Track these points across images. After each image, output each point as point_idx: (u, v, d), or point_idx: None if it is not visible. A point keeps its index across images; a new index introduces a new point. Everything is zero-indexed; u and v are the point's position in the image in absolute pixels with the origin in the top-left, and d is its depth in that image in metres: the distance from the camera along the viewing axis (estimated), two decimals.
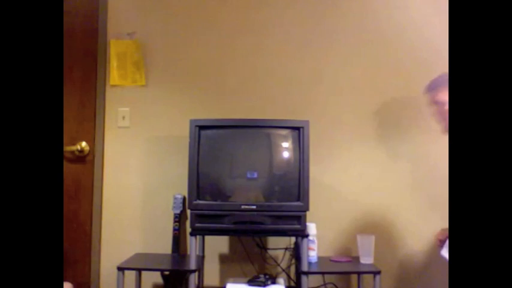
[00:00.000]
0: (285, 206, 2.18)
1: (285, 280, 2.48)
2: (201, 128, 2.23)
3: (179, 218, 2.52)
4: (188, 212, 2.30)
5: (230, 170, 2.25)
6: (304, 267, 2.18)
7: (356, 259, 2.39)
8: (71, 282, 2.42)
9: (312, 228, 2.34)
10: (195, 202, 2.18)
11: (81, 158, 2.63)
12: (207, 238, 2.54)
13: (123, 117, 2.65)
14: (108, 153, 2.64)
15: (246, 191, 2.22)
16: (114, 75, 2.66)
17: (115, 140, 2.64)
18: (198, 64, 2.66)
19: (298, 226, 2.17)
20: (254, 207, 2.16)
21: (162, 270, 2.39)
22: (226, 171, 2.24)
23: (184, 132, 2.54)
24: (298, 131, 2.23)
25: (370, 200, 2.58)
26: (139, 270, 2.43)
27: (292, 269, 2.56)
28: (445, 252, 2.31)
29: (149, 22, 2.67)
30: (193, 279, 2.16)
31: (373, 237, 2.33)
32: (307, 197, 2.18)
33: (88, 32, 2.67)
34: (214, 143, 2.24)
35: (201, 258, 2.42)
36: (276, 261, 2.56)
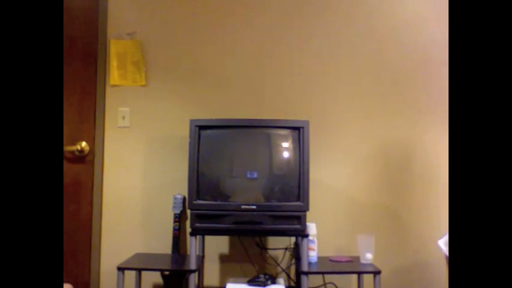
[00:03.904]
0: (285, 206, 2.18)
1: (285, 280, 2.48)
2: (201, 128, 2.23)
3: (179, 218, 2.52)
4: (188, 212, 2.30)
5: (230, 170, 2.25)
6: (304, 267, 2.18)
7: (356, 259, 2.40)
8: (71, 282, 2.42)
9: (312, 228, 2.34)
10: (195, 202, 2.18)
11: (81, 158, 2.63)
12: (207, 238, 2.54)
13: (123, 117, 2.65)
14: (108, 153, 2.64)
15: (246, 191, 2.22)
16: (114, 75, 2.66)
17: (115, 140, 2.64)
18: (198, 64, 2.66)
19: (298, 226, 2.17)
20: (254, 207, 2.16)
21: (162, 270, 2.39)
22: (226, 171, 2.24)
23: (184, 132, 2.54)
24: (298, 131, 2.23)
25: (370, 199, 2.58)
26: (139, 270, 2.42)
27: (292, 269, 2.56)
28: (442, 243, 2.31)
29: (149, 22, 2.68)
30: (193, 279, 2.16)
31: (373, 237, 2.33)
32: (307, 197, 2.18)
33: (88, 32, 2.67)
34: (214, 143, 2.24)
35: (201, 258, 2.42)
36: (276, 261, 2.56)
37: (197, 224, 2.17)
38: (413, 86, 2.63)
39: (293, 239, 2.52)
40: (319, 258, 2.40)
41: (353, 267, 2.31)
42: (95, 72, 2.66)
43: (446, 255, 2.30)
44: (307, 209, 2.18)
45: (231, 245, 2.59)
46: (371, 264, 2.29)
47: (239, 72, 2.65)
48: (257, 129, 2.27)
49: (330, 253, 2.54)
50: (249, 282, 2.19)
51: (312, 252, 2.34)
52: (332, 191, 2.59)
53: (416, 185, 2.58)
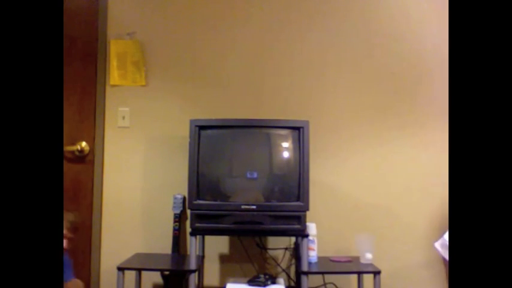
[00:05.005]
0: (285, 206, 2.18)
1: (285, 280, 2.48)
2: (201, 128, 2.23)
3: (179, 218, 2.52)
4: (188, 212, 2.30)
5: (230, 170, 2.25)
6: (304, 267, 2.18)
7: (356, 259, 2.39)
8: None
9: (312, 228, 2.34)
10: (195, 202, 2.18)
11: (81, 158, 2.63)
12: (207, 238, 2.54)
13: (123, 117, 2.65)
14: (108, 153, 2.64)
15: (246, 191, 2.22)
16: (114, 75, 2.66)
17: (115, 140, 2.64)
18: (198, 64, 2.66)
19: (298, 226, 2.17)
20: (254, 207, 2.16)
21: (162, 270, 2.39)
22: (226, 171, 2.24)
23: (184, 132, 2.54)
24: (298, 131, 2.22)
25: (370, 199, 2.58)
26: (139, 270, 2.42)
27: (292, 269, 2.56)
28: (438, 245, 2.31)
29: (149, 22, 2.67)
30: (193, 279, 2.16)
31: (373, 237, 2.33)
32: (307, 197, 2.18)
33: (88, 32, 2.67)
34: (214, 143, 2.24)
35: (201, 258, 2.42)
36: (276, 261, 2.56)
37: (197, 224, 2.17)
38: (414, 83, 2.63)
39: (293, 239, 2.52)
40: (319, 258, 2.40)
41: (353, 267, 2.31)
42: (95, 72, 2.66)
43: (443, 257, 2.30)
44: (307, 209, 2.18)
45: (231, 245, 2.59)
46: (371, 264, 2.29)
47: (239, 72, 2.65)
48: (257, 129, 2.27)
49: (330, 253, 2.54)
50: (249, 282, 2.19)
51: (312, 252, 2.34)
52: (332, 190, 2.59)
53: (417, 184, 2.58)
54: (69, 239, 2.00)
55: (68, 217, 2.02)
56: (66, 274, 2.03)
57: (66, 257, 2.04)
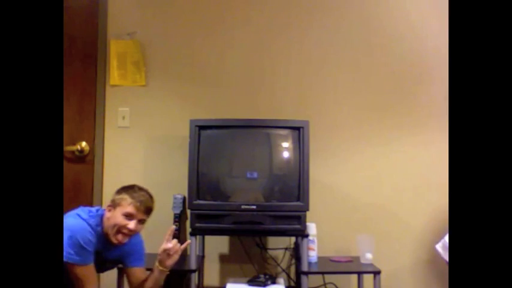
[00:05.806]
0: (285, 206, 2.18)
1: (285, 280, 2.47)
2: (201, 128, 2.23)
3: (179, 218, 2.51)
4: (188, 212, 2.30)
5: (230, 170, 2.25)
6: (304, 267, 2.18)
7: (356, 259, 2.39)
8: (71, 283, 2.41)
9: (312, 228, 2.34)
10: (195, 202, 2.18)
11: (81, 158, 2.63)
12: (207, 238, 2.54)
13: (123, 117, 2.64)
14: (108, 153, 2.64)
15: (246, 191, 2.22)
16: (114, 75, 2.65)
17: (115, 140, 2.64)
18: (198, 64, 2.66)
19: (298, 226, 2.17)
20: (254, 207, 2.16)
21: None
22: (226, 171, 2.24)
23: (184, 132, 2.53)
24: (298, 131, 2.22)
25: (370, 199, 2.58)
26: None
27: (292, 269, 2.56)
28: (439, 247, 2.30)
29: (149, 22, 2.67)
30: (193, 279, 2.16)
31: (373, 238, 2.33)
32: (307, 197, 2.18)
33: (88, 32, 2.67)
34: (214, 143, 2.24)
35: (201, 258, 2.42)
36: (276, 261, 2.56)
37: (197, 224, 2.17)
38: (414, 83, 2.62)
39: (293, 239, 2.52)
40: (319, 258, 2.40)
41: (353, 267, 2.31)
42: (95, 72, 2.66)
43: (444, 259, 2.29)
44: (307, 209, 2.18)
45: (231, 245, 2.59)
46: (371, 264, 2.29)
47: (239, 71, 2.65)
48: (257, 129, 2.27)
49: (330, 253, 2.54)
50: (249, 282, 2.19)
51: (312, 252, 2.34)
52: (332, 190, 2.59)
53: (417, 184, 2.58)
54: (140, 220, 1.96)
55: None
56: (139, 260, 2.05)
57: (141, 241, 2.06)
